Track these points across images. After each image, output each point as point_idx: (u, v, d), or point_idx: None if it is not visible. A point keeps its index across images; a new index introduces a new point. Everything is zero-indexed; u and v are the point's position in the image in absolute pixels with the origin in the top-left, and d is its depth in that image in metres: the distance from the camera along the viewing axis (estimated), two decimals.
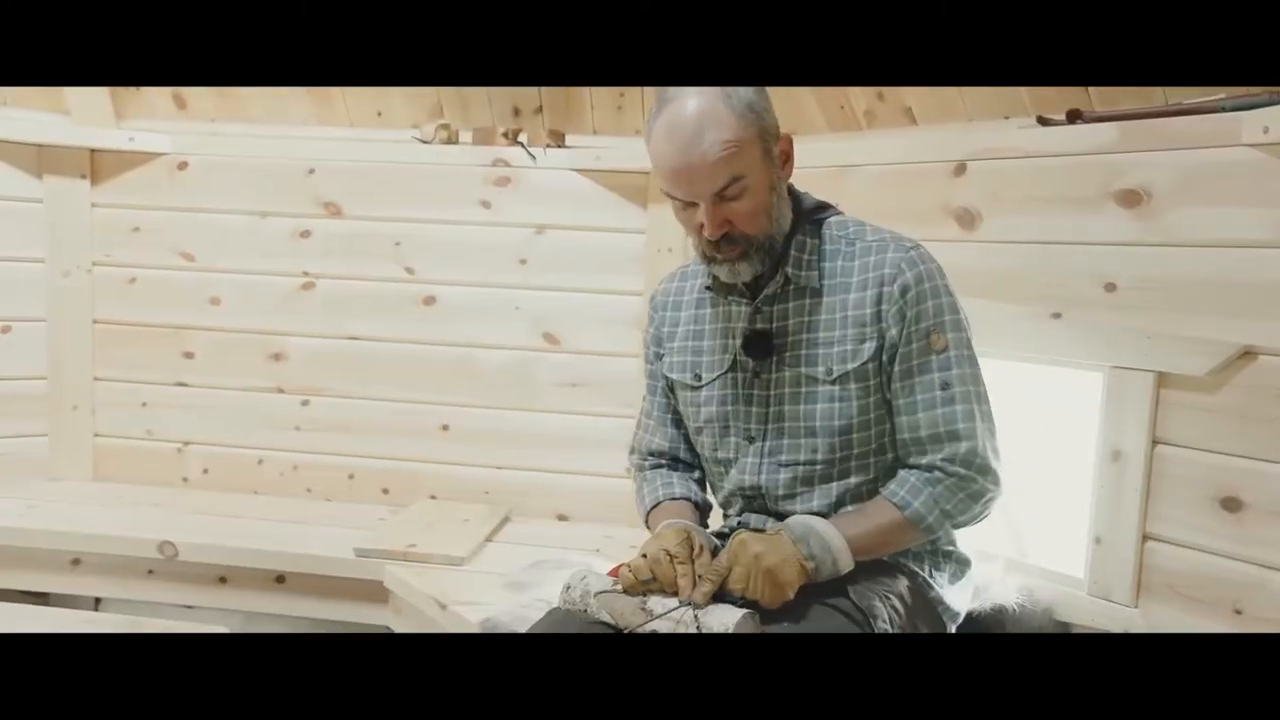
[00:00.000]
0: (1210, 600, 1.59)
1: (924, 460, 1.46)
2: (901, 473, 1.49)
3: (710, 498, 1.67)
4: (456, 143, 2.78)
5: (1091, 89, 1.83)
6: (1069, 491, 1.81)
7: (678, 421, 1.68)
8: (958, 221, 1.96)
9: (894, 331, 1.45)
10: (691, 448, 1.68)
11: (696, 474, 1.69)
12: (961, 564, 1.59)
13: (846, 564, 1.41)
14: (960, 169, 1.97)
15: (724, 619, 1.30)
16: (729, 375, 1.55)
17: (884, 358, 1.46)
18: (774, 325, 1.51)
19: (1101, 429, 1.73)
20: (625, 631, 1.36)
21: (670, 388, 1.66)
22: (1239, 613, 1.55)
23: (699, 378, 1.59)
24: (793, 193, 1.54)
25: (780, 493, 1.52)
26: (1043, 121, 1.84)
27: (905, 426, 1.47)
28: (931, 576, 1.54)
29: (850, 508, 1.49)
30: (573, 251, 2.73)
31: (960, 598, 1.59)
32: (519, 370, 2.77)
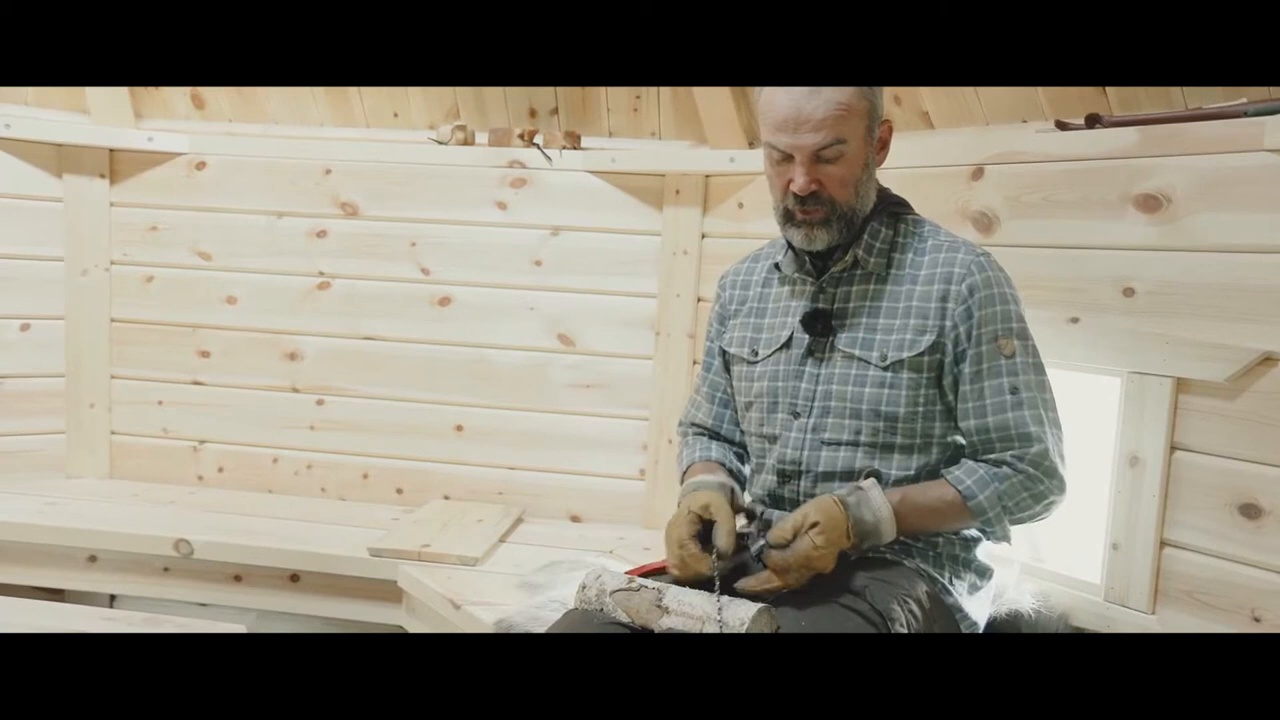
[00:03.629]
0: (1228, 607, 1.58)
1: (992, 457, 1.48)
2: (969, 463, 1.50)
3: (746, 469, 1.70)
4: (473, 144, 2.79)
5: (1110, 94, 1.82)
6: (1086, 497, 1.80)
7: (726, 401, 1.72)
8: (975, 225, 1.95)
9: (960, 330, 1.48)
10: (735, 425, 1.71)
11: (736, 450, 1.71)
12: (981, 574, 1.58)
13: (889, 535, 1.44)
14: (978, 173, 1.96)
15: (740, 614, 1.30)
16: (783, 351, 1.58)
17: (944, 354, 1.49)
18: (834, 306, 1.55)
19: (1119, 434, 1.72)
20: (640, 628, 1.36)
21: (726, 365, 1.70)
22: (1258, 620, 1.54)
23: (755, 353, 1.62)
24: (878, 184, 1.58)
25: (820, 470, 1.53)
26: (1061, 126, 1.83)
27: (974, 429, 1.49)
28: (951, 584, 1.53)
29: (911, 487, 1.50)
30: (588, 253, 2.73)
31: (979, 607, 1.58)
32: (533, 371, 2.78)
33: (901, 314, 1.51)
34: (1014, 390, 1.47)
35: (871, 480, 1.46)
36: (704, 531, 1.46)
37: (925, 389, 1.50)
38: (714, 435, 1.74)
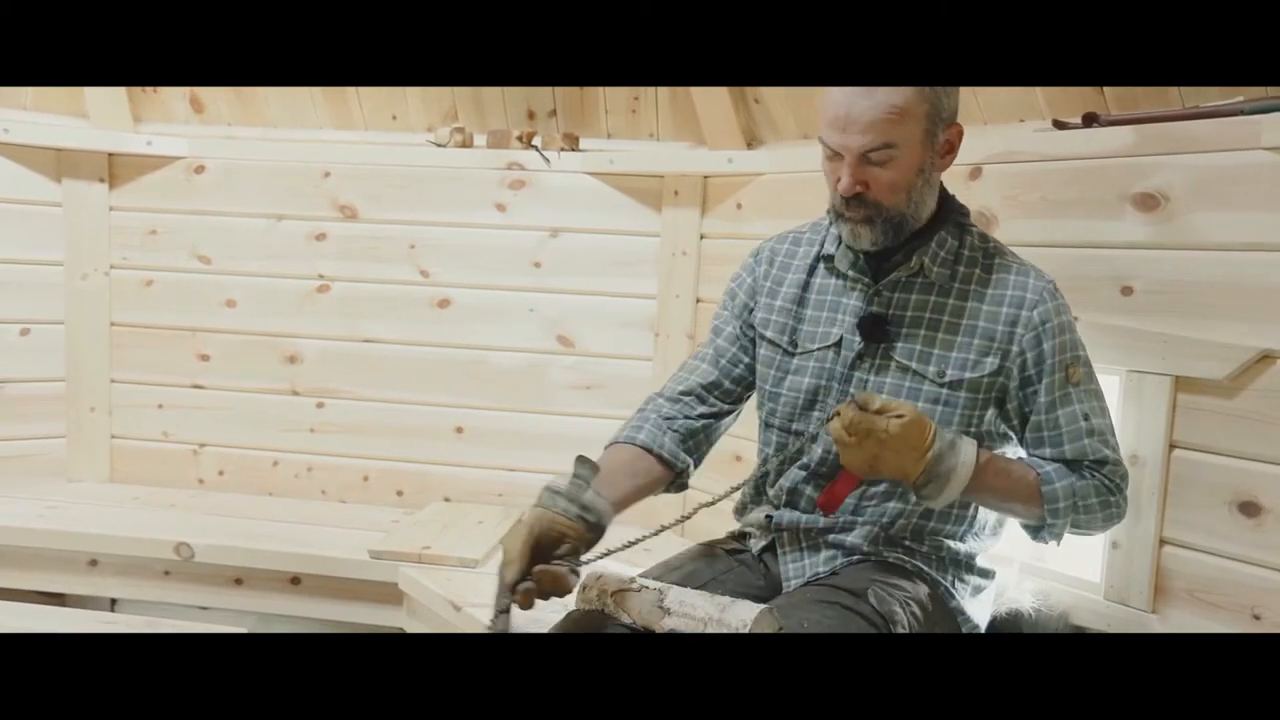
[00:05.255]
0: (1228, 605, 1.58)
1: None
2: (1052, 460, 1.48)
3: (688, 457, 1.58)
4: (471, 146, 2.79)
5: (1107, 93, 1.83)
6: None
7: (728, 371, 1.61)
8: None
9: (1028, 357, 1.45)
10: (722, 397, 1.61)
11: (702, 421, 1.60)
12: (985, 576, 1.59)
13: (955, 493, 1.39)
14: (976, 172, 1.96)
15: (743, 615, 1.31)
16: (830, 351, 1.53)
17: (1008, 379, 1.46)
18: (891, 312, 1.50)
19: (1119, 433, 1.72)
20: (642, 629, 1.36)
21: (738, 338, 1.62)
22: (1258, 618, 1.54)
23: (795, 344, 1.56)
24: (942, 189, 1.53)
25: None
26: (1058, 125, 1.83)
27: (1051, 456, 1.47)
28: (954, 587, 1.53)
29: (998, 456, 1.46)
30: (587, 254, 2.73)
31: (981, 610, 1.58)
32: (533, 372, 2.78)
33: (965, 331, 1.47)
34: (1086, 417, 1.46)
35: (970, 442, 1.40)
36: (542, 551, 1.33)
37: (979, 409, 1.47)
38: (698, 398, 1.60)
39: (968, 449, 1.39)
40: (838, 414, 1.34)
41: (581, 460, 1.41)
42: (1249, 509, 1.55)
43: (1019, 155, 1.89)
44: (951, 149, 1.47)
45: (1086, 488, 1.46)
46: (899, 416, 1.33)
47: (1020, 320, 1.45)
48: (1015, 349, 1.45)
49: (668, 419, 1.59)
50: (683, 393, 1.62)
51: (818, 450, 1.52)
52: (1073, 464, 1.47)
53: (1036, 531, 1.49)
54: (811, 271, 1.58)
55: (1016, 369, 1.46)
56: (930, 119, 1.41)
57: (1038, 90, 1.94)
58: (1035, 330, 1.45)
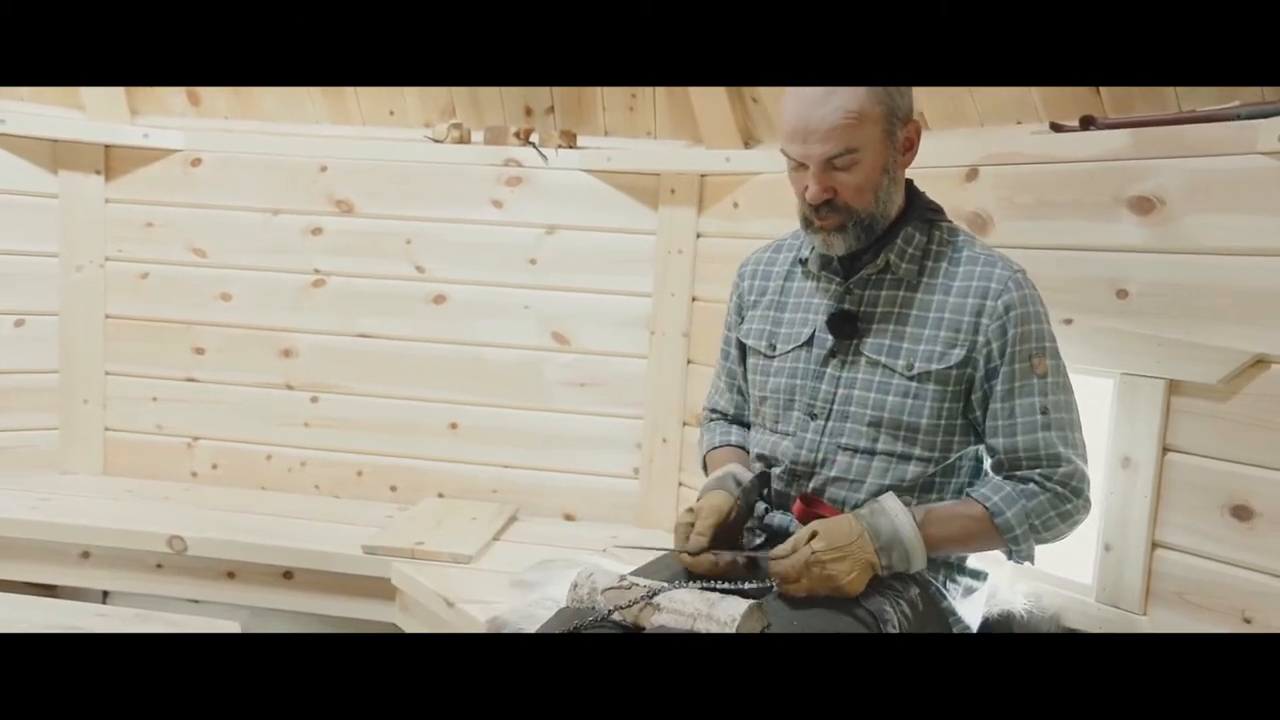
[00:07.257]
0: (1219, 609, 1.58)
1: (1019, 474, 1.47)
2: (996, 479, 1.49)
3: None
4: (468, 142, 2.79)
5: (1104, 95, 1.83)
6: None
7: (743, 390, 1.71)
8: (969, 226, 1.95)
9: (993, 347, 1.45)
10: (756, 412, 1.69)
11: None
12: (976, 578, 1.59)
13: (919, 563, 1.42)
14: (972, 174, 1.96)
15: (731, 610, 1.31)
16: (804, 350, 1.56)
17: (974, 369, 1.47)
18: (861, 309, 1.52)
19: (1112, 436, 1.73)
20: (632, 625, 1.36)
21: (743, 355, 1.69)
22: (1248, 621, 1.54)
23: (774, 348, 1.60)
24: (910, 186, 1.55)
25: (833, 474, 1.52)
26: (1055, 127, 1.83)
27: (1003, 447, 1.47)
28: (945, 587, 1.53)
29: (935, 504, 1.49)
30: (583, 252, 2.73)
31: (972, 611, 1.58)
32: (528, 369, 2.78)
33: (932, 324, 1.48)
34: (1044, 410, 1.45)
35: (890, 494, 1.44)
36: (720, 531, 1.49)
37: (949, 402, 1.48)
38: (735, 420, 1.74)
39: (889, 501, 1.43)
40: (779, 580, 1.39)
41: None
42: (1241, 513, 1.55)
43: (1015, 157, 1.89)
44: (911, 145, 1.50)
45: (1040, 505, 1.45)
46: (813, 536, 1.38)
47: (985, 310, 1.46)
48: (980, 339, 1.46)
49: (735, 424, 1.75)
50: (719, 412, 1.78)
51: (800, 452, 1.54)
52: (1026, 465, 1.46)
53: (1009, 555, 1.50)
54: (789, 276, 1.63)
55: (982, 359, 1.47)
56: (888, 119, 1.44)
57: (1034, 92, 1.94)
58: (1000, 319, 1.45)
